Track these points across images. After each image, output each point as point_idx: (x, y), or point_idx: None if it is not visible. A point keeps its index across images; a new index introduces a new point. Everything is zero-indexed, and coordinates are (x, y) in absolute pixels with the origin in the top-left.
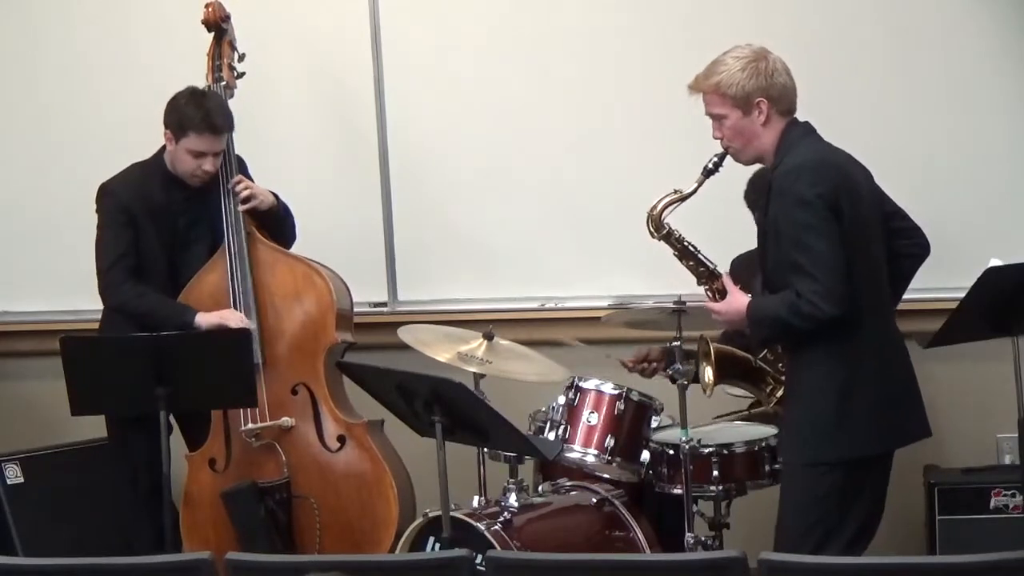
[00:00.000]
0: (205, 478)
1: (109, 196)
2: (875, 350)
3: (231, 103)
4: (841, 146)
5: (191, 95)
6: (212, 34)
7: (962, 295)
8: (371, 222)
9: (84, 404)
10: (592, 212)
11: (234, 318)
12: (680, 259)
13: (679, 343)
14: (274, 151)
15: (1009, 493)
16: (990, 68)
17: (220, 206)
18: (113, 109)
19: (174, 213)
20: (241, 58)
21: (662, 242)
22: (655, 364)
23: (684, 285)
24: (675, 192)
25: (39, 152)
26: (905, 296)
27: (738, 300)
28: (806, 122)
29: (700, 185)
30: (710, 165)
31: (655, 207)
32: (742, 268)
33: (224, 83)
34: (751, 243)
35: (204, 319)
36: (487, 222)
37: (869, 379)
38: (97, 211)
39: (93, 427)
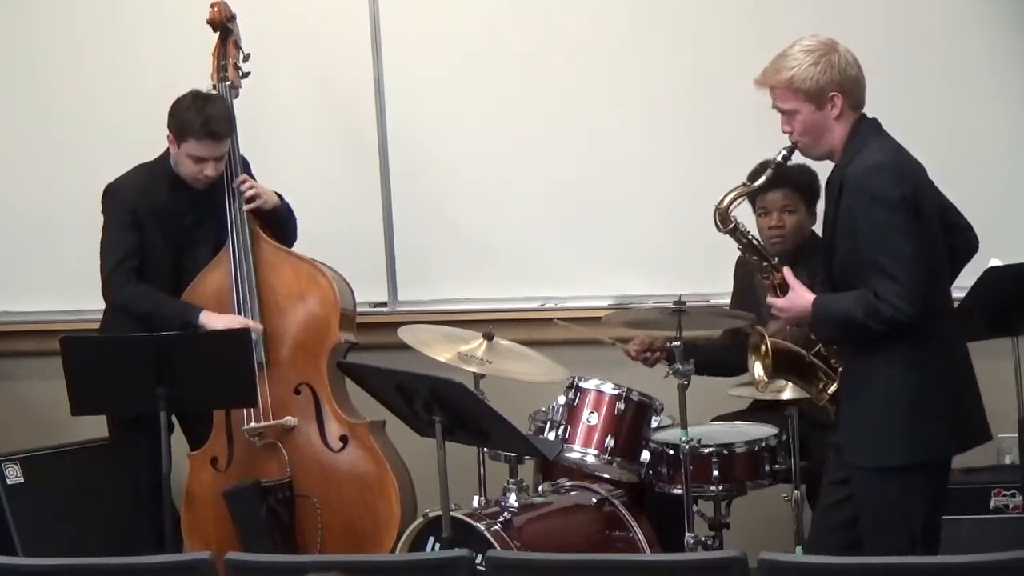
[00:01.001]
0: (207, 477)
1: (114, 197)
2: (944, 351)
3: (236, 103)
4: None
5: (194, 99)
6: (217, 34)
7: (962, 295)
8: (371, 222)
9: (84, 404)
10: (592, 212)
11: (239, 324)
12: (744, 253)
13: (679, 343)
14: (275, 151)
15: (1009, 493)
16: (990, 68)
17: (225, 206)
18: (114, 109)
19: (180, 213)
20: (246, 58)
21: (728, 236)
22: (658, 354)
23: (684, 285)
24: (743, 185)
25: (39, 152)
26: None
27: (803, 297)
28: (874, 118)
29: (768, 179)
30: (779, 158)
31: (722, 201)
32: (746, 266)
33: (229, 83)
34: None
35: (208, 319)
36: (487, 222)
37: (939, 381)
38: (103, 212)
39: (93, 427)
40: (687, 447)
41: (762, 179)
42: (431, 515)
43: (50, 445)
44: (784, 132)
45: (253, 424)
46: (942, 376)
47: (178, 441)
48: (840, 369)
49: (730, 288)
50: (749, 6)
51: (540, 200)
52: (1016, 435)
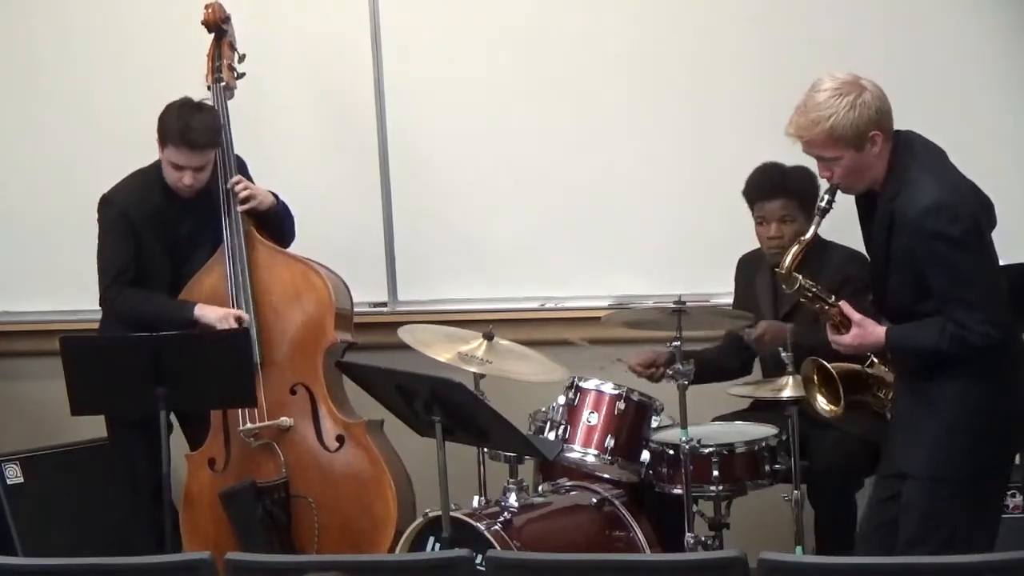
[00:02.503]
0: (205, 478)
1: (109, 206)
2: (1007, 361)
3: (236, 103)
4: None
5: (180, 107)
6: (212, 35)
7: None
8: (371, 222)
9: (84, 404)
10: (592, 212)
11: (232, 317)
12: (809, 303)
13: (679, 343)
14: (274, 151)
15: (1009, 493)
16: (990, 68)
17: (220, 208)
18: (112, 112)
19: (175, 219)
20: (241, 59)
21: (797, 294)
22: (663, 369)
23: (684, 285)
24: (799, 243)
25: (39, 153)
26: None
27: (874, 332)
28: (906, 133)
29: (817, 227)
30: (823, 204)
31: (784, 265)
32: (746, 267)
33: (224, 84)
34: (754, 243)
35: (203, 312)
36: (487, 222)
37: (1003, 393)
38: (98, 221)
39: (93, 427)
40: (687, 447)
41: (812, 229)
42: (431, 515)
43: (50, 445)
44: (823, 176)
45: (249, 425)
46: (1007, 387)
47: (178, 441)
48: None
49: (730, 288)
50: (750, 6)
51: (540, 200)
52: None
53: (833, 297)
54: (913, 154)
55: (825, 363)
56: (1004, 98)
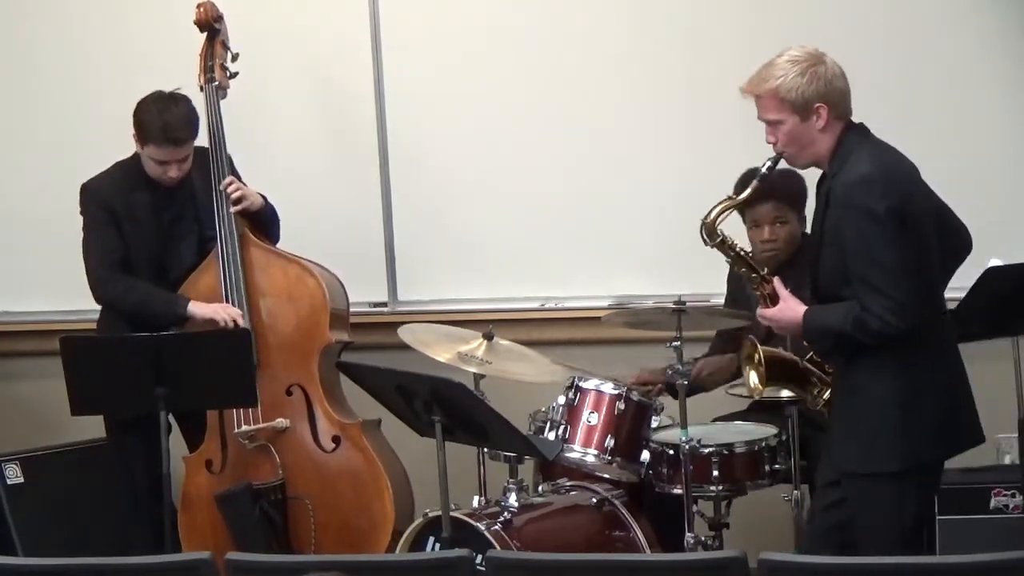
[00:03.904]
0: (202, 479)
1: (90, 195)
2: (935, 357)
3: (236, 103)
4: None
5: (155, 102)
6: (204, 34)
7: (962, 295)
8: (371, 222)
9: (84, 404)
10: (592, 212)
11: (225, 313)
12: (733, 266)
13: (679, 343)
14: (274, 151)
15: (1009, 493)
16: (990, 68)
17: (204, 200)
18: (111, 110)
19: (158, 209)
20: (234, 58)
21: (715, 250)
22: (660, 386)
23: (684, 285)
24: (728, 198)
25: (39, 153)
26: None
27: (793, 308)
28: (861, 124)
29: (754, 190)
30: (764, 170)
31: (709, 215)
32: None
33: (216, 83)
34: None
35: (196, 308)
36: (487, 222)
37: (931, 387)
38: (81, 212)
39: (93, 427)
40: (687, 447)
41: (748, 191)
42: (431, 515)
43: (50, 445)
44: (768, 142)
45: (245, 427)
46: (933, 382)
47: (177, 442)
48: (832, 374)
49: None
50: (749, 8)
51: (540, 200)
52: (1016, 435)
53: (766, 270)
54: (863, 142)
55: (759, 345)
56: (1004, 98)
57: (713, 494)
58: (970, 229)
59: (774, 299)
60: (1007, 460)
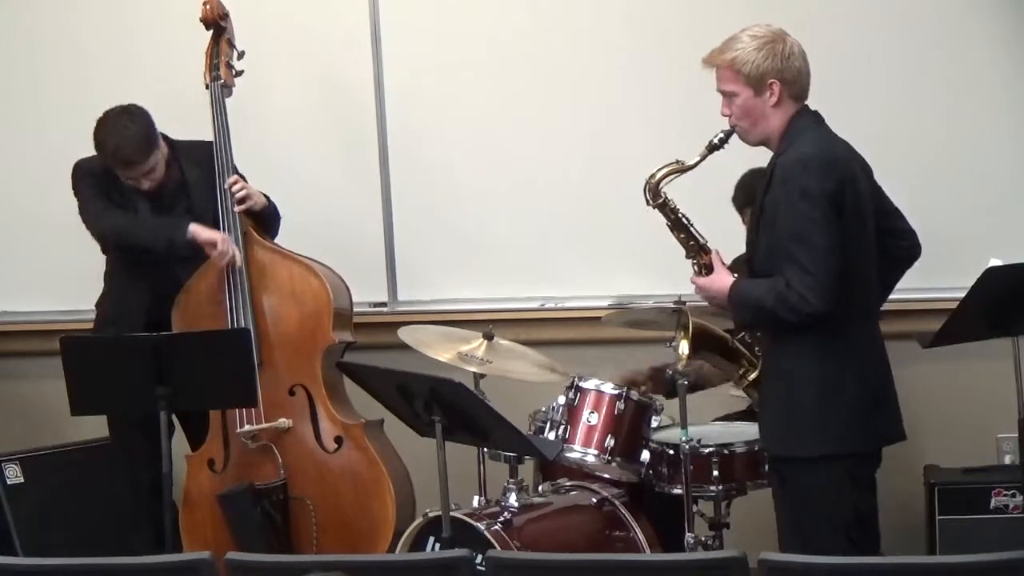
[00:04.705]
0: (204, 479)
1: (80, 169)
2: (859, 349)
3: (236, 102)
4: None
5: (108, 122)
6: (210, 32)
7: (962, 295)
8: (371, 222)
9: (84, 404)
10: (592, 212)
11: (224, 244)
12: (672, 230)
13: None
14: (275, 151)
15: (1009, 493)
16: (991, 68)
17: (203, 193)
18: None
19: (148, 196)
20: (240, 56)
21: (656, 211)
22: (644, 387)
23: (684, 285)
24: (676, 162)
25: (39, 152)
26: (905, 296)
27: (722, 279)
28: (816, 111)
29: (703, 159)
30: (715, 140)
31: (654, 175)
32: (739, 269)
33: (222, 81)
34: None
35: (199, 230)
36: (487, 222)
37: (852, 377)
38: (73, 188)
39: (93, 427)
40: (687, 447)
41: (696, 158)
42: (431, 515)
43: (50, 445)
44: (723, 115)
45: (247, 427)
46: (853, 372)
47: (179, 442)
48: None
49: None
50: (750, 8)
51: (540, 200)
52: (1016, 435)
53: (705, 240)
54: (813, 127)
55: (691, 316)
56: (1004, 98)
57: (713, 494)
58: (970, 229)
59: (709, 269)
60: (1007, 460)
